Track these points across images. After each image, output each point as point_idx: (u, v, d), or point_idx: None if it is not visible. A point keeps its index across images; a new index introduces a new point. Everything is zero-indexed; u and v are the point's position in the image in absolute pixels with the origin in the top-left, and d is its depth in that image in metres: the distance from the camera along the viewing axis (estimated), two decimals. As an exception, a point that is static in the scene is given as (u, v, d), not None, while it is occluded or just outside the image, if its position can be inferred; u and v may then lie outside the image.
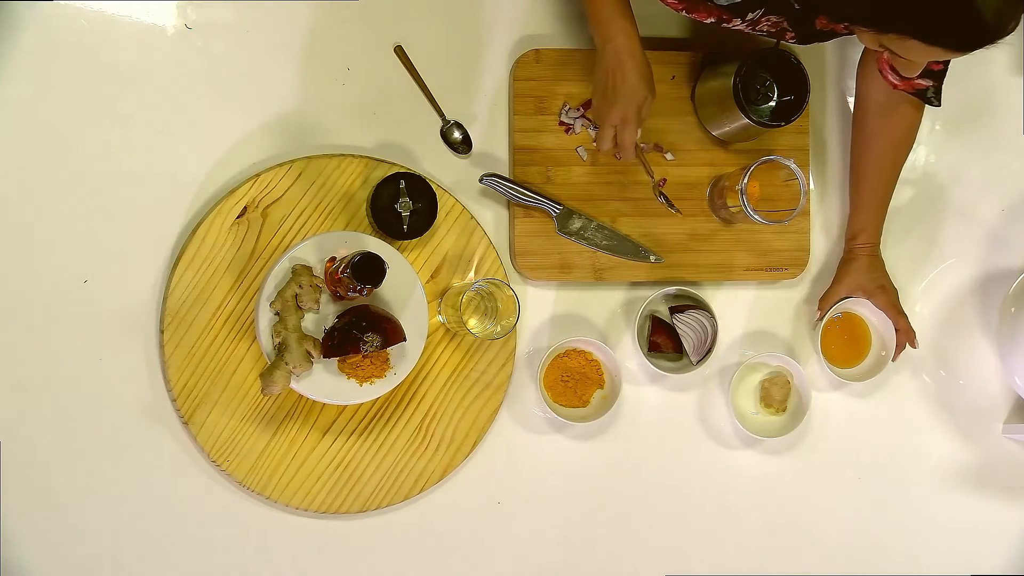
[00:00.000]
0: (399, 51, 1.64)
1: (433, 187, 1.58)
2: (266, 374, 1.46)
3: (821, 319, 1.68)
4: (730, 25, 1.46)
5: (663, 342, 1.69)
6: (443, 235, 1.63)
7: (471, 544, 1.65)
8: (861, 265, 1.68)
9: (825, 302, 1.69)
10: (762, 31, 1.48)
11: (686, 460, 1.72)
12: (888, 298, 1.68)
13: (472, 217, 1.64)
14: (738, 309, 1.75)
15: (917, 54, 1.25)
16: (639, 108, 1.49)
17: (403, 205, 1.56)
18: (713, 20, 1.46)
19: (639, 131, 1.53)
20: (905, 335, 1.69)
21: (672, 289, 1.68)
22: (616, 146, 1.54)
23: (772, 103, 1.64)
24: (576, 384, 1.66)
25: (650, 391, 1.71)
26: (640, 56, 1.47)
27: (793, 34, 1.49)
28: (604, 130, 1.52)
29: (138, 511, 1.55)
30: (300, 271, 1.49)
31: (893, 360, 1.69)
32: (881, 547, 1.77)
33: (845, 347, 1.73)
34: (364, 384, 1.51)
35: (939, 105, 1.58)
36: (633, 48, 1.47)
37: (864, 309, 1.71)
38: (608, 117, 1.51)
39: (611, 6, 1.46)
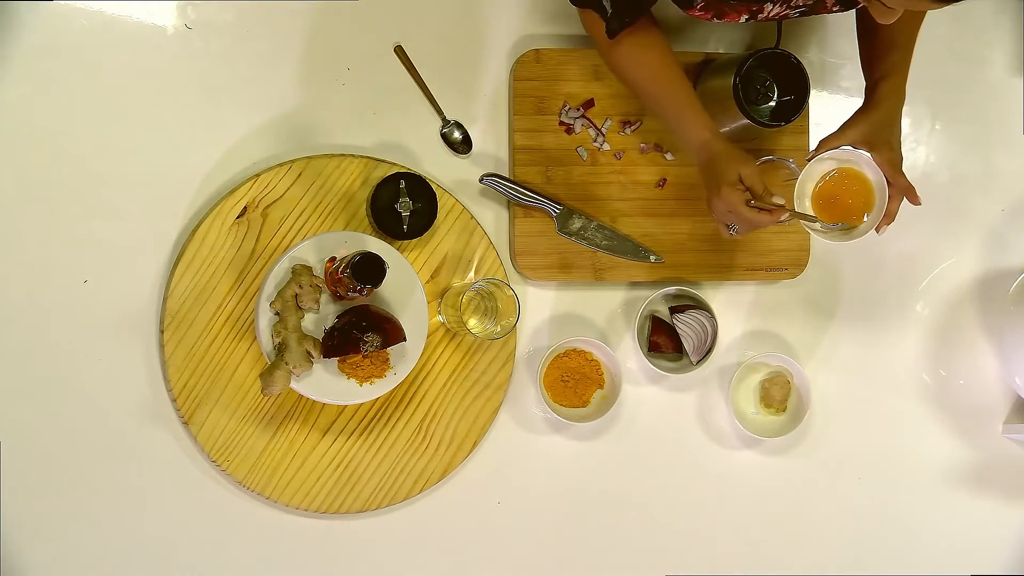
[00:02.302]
0: (399, 51, 1.64)
1: (433, 187, 1.58)
2: (266, 374, 1.46)
3: (811, 159, 1.50)
4: (764, 15, 1.43)
5: (663, 342, 1.69)
6: (443, 235, 1.63)
7: (471, 544, 1.65)
8: (876, 117, 1.50)
9: (825, 144, 1.50)
10: (799, 7, 1.44)
11: (686, 460, 1.72)
12: (892, 156, 1.49)
13: (472, 217, 1.64)
14: (738, 309, 1.75)
15: (905, 3, 1.24)
16: (730, 187, 1.42)
17: (403, 205, 1.56)
18: (747, 17, 1.43)
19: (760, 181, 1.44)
20: (908, 193, 1.49)
21: (672, 289, 1.68)
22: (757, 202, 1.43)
23: (772, 103, 1.64)
24: (576, 384, 1.66)
25: (650, 391, 1.71)
26: (719, 143, 1.44)
27: (834, 1, 1.42)
28: (731, 220, 1.45)
29: (138, 511, 1.55)
30: (300, 271, 1.49)
31: (878, 231, 1.50)
32: (881, 547, 1.77)
33: (842, 207, 1.53)
34: (364, 384, 1.51)
35: None
36: (709, 137, 1.45)
37: (869, 170, 1.51)
38: (716, 210, 1.46)
39: (677, 108, 1.47)
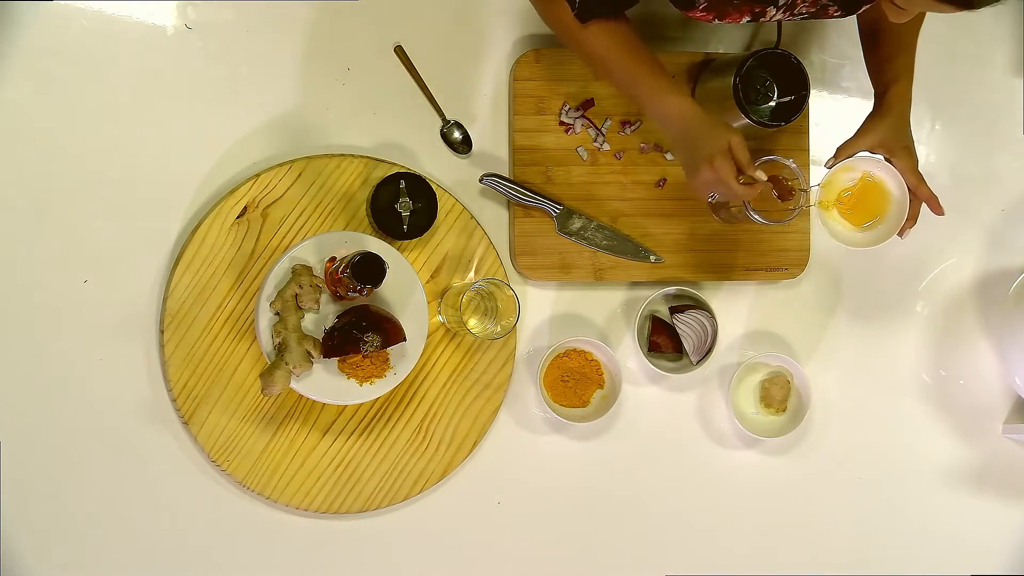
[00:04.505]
0: (399, 51, 1.64)
1: (433, 187, 1.58)
2: (266, 374, 1.46)
3: (831, 167, 1.53)
4: (766, 19, 1.42)
5: (663, 342, 1.69)
6: (443, 235, 1.63)
7: (471, 544, 1.65)
8: (891, 122, 1.51)
9: (844, 150, 1.52)
10: (802, 14, 1.43)
11: (686, 460, 1.72)
12: (911, 163, 1.52)
13: (472, 217, 1.64)
14: (738, 309, 1.75)
15: (921, 5, 1.24)
16: (722, 157, 1.39)
17: (403, 205, 1.56)
18: (748, 19, 1.42)
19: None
20: (929, 202, 1.52)
21: (672, 289, 1.68)
22: (743, 175, 1.41)
23: (772, 103, 1.64)
24: (576, 384, 1.66)
25: (650, 391, 1.71)
26: (700, 110, 1.41)
27: (836, 7, 1.42)
28: (716, 190, 1.42)
29: (138, 511, 1.55)
30: (300, 271, 1.49)
31: (901, 236, 1.53)
32: (881, 547, 1.77)
33: (857, 211, 1.57)
34: (364, 384, 1.51)
35: None
36: (689, 104, 1.41)
37: (887, 175, 1.54)
38: (704, 180, 1.40)
39: (651, 77, 1.42)
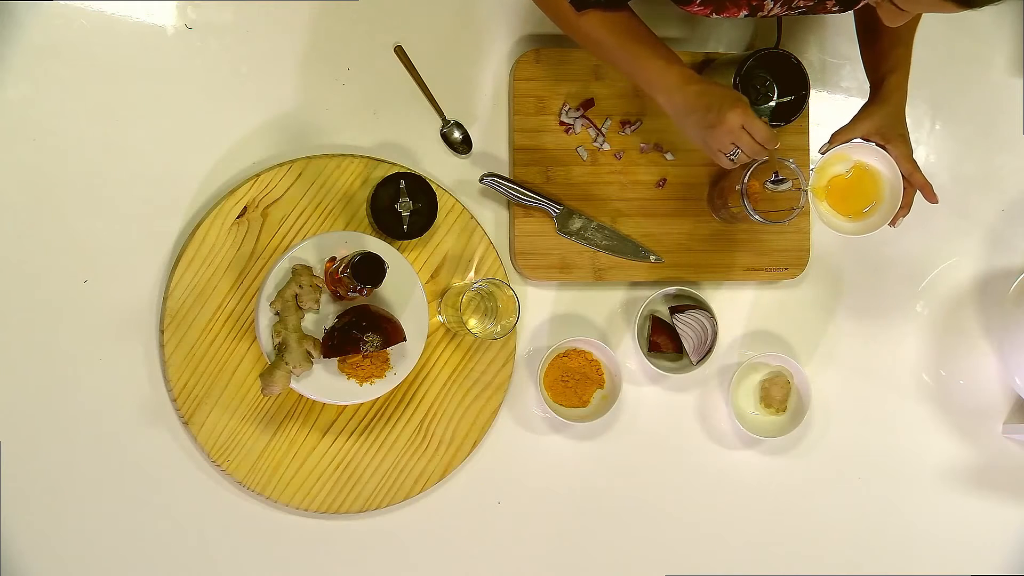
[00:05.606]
0: (399, 51, 1.64)
1: (433, 187, 1.58)
2: (266, 374, 1.46)
3: (825, 152, 1.54)
4: (763, 12, 1.42)
5: (663, 342, 1.69)
6: (443, 235, 1.63)
7: (471, 544, 1.65)
8: (888, 110, 1.53)
9: (839, 136, 1.54)
10: (799, 8, 1.43)
11: (686, 460, 1.72)
12: (906, 151, 1.53)
13: (472, 217, 1.64)
14: (738, 309, 1.75)
15: (921, 6, 1.24)
16: (744, 104, 1.39)
17: (403, 205, 1.56)
18: (746, 13, 1.42)
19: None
20: (924, 189, 1.53)
21: (672, 289, 1.68)
22: (761, 148, 1.40)
23: (772, 103, 1.64)
24: (576, 384, 1.66)
25: (650, 391, 1.71)
26: (703, 80, 1.41)
27: (834, 1, 1.42)
28: (741, 141, 1.39)
29: (138, 511, 1.55)
30: (300, 271, 1.49)
31: (893, 224, 1.54)
32: (881, 547, 1.77)
33: (851, 200, 1.58)
34: (364, 384, 1.51)
35: None
36: (692, 72, 1.41)
37: (881, 164, 1.55)
38: (729, 128, 1.38)
39: (652, 57, 1.42)
